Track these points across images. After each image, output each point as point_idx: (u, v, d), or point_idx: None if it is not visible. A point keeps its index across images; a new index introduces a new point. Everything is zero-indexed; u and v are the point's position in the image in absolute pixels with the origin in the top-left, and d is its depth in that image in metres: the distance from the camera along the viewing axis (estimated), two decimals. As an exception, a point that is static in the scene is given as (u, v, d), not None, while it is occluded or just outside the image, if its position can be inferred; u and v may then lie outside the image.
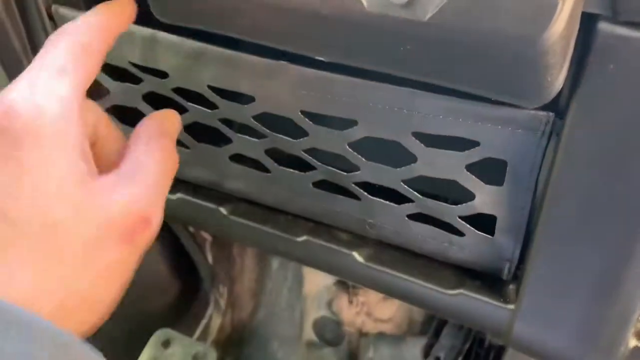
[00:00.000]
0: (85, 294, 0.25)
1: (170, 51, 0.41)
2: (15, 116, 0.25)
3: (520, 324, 0.40)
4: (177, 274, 0.78)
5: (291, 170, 0.44)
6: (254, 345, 0.82)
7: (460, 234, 0.41)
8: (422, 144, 0.37)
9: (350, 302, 0.75)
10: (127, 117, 0.45)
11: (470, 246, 0.41)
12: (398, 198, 0.41)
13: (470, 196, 0.38)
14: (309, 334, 0.79)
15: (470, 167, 0.37)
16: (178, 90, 0.43)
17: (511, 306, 0.40)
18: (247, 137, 0.44)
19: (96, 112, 0.31)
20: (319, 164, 0.43)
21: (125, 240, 0.26)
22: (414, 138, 0.37)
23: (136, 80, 0.44)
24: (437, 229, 0.41)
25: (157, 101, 0.45)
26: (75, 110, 0.26)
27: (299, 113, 0.40)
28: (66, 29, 0.29)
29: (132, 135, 0.31)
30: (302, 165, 0.44)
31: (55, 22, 0.44)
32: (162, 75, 0.43)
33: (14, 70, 0.47)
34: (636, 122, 0.31)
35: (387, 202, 0.42)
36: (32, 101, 0.25)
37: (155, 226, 0.28)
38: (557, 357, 0.40)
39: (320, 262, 0.47)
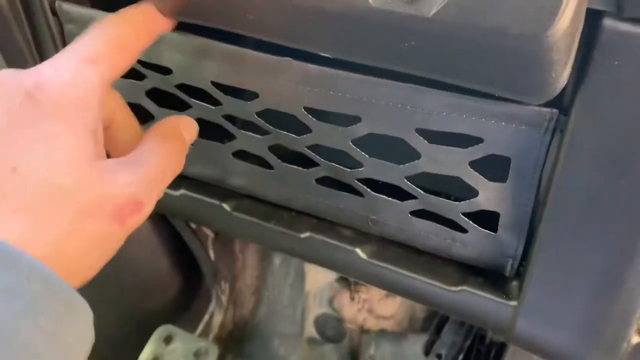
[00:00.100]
0: (67, 257, 0.27)
1: (174, 47, 0.41)
2: (45, 90, 0.28)
3: (522, 320, 0.40)
4: (179, 270, 0.78)
5: (294, 166, 0.44)
6: (255, 341, 0.82)
7: (463, 230, 0.41)
8: (425, 141, 0.37)
9: (352, 299, 0.75)
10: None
11: (473, 243, 0.41)
12: (401, 195, 0.41)
13: (473, 193, 0.38)
14: (311, 330, 0.79)
15: (474, 164, 0.37)
16: (181, 87, 0.43)
17: (514, 303, 0.40)
18: (250, 133, 0.44)
19: (117, 100, 0.34)
20: (322, 160, 0.43)
21: (115, 217, 0.28)
22: (417, 134, 0.37)
23: (140, 77, 0.44)
24: (440, 226, 0.41)
25: (161, 97, 0.45)
26: (96, 97, 0.29)
27: (303, 109, 0.40)
28: (108, 21, 0.31)
29: (148, 131, 0.33)
30: (306, 162, 0.44)
31: (59, 18, 0.44)
32: (166, 71, 0.43)
33: (17, 66, 0.47)
34: (640, 118, 0.31)
35: (390, 198, 0.42)
36: (60, 82, 0.28)
37: (145, 212, 0.30)
38: (559, 354, 0.40)
39: (323, 259, 0.47)
